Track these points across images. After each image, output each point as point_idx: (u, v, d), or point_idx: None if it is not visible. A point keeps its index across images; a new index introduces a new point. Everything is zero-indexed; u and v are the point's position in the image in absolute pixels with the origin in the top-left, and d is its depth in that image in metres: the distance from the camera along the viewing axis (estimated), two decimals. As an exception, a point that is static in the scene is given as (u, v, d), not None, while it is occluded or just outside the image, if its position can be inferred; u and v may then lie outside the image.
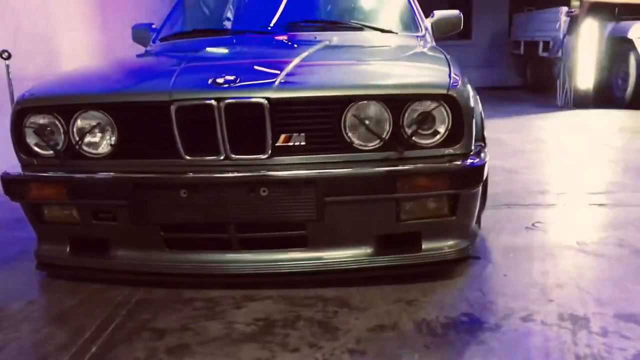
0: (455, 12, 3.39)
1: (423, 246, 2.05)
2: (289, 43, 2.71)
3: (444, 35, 3.44)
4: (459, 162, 1.95)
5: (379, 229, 2.02)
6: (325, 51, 2.48)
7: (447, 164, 1.94)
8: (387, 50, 2.74)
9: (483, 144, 2.20)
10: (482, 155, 2.09)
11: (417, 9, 3.25)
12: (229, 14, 3.27)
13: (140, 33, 3.44)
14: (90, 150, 2.02)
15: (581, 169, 3.91)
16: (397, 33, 3.06)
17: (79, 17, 5.27)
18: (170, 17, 3.33)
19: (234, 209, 1.94)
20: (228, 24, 3.22)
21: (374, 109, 1.93)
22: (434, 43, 3.17)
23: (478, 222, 2.31)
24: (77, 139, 2.00)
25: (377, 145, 1.94)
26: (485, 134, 2.30)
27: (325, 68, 2.22)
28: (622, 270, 2.15)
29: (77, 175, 2.01)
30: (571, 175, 3.76)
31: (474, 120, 2.03)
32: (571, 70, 7.38)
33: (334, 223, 1.95)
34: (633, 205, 2.97)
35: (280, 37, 2.84)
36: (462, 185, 1.98)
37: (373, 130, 1.91)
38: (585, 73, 7.31)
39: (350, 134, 1.93)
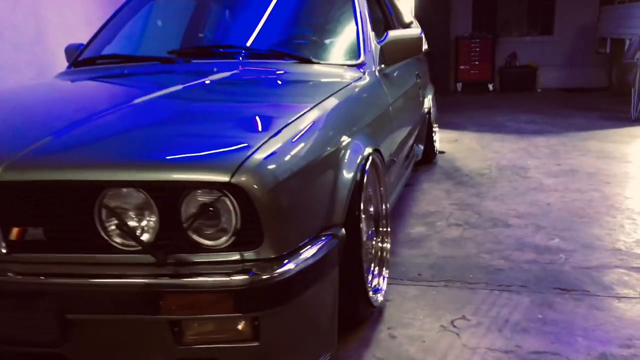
0: (415, 32, 2.74)
1: (224, 380, 1.52)
2: (150, 80, 2.23)
3: (399, 62, 2.80)
4: (245, 276, 1.39)
5: (158, 354, 1.50)
6: (174, 96, 1.99)
7: (228, 278, 1.39)
8: (265, 93, 2.20)
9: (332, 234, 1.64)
10: (310, 255, 1.51)
11: (363, 29, 2.63)
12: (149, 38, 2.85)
13: (71, 54, 3.10)
14: None
15: None
16: (322, 62, 2.49)
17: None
18: (92, 38, 2.96)
19: None
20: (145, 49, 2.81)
21: (136, 199, 1.42)
22: (376, 73, 2.56)
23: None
24: None
25: (140, 247, 1.43)
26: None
27: (110, 131, 1.68)
28: None
29: None
30: None
31: (291, 211, 1.47)
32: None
33: (87, 348, 1.47)
34: None
35: (166, 70, 2.38)
36: (254, 307, 1.42)
37: (129, 228, 1.40)
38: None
39: (108, 230, 1.43)
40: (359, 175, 1.86)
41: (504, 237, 2.89)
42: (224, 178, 1.37)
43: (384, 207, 2.30)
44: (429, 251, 2.74)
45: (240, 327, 1.48)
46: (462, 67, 9.98)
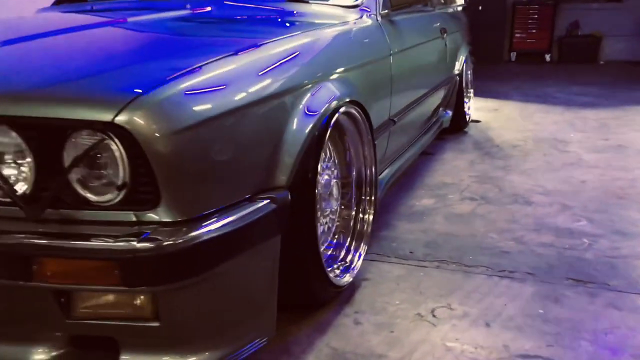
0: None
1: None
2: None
3: (407, 5, 2.43)
4: (132, 242, 1.11)
5: (43, 328, 1.25)
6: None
7: (111, 243, 1.11)
8: (220, 29, 1.89)
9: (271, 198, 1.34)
10: (230, 221, 1.22)
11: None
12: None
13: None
14: None
15: None
16: (318, 2, 2.17)
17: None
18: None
19: None
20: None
21: (9, 139, 1.15)
22: (377, 18, 2.20)
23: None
24: None
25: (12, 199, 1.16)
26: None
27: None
28: None
29: None
30: None
31: (199, 165, 1.17)
32: None
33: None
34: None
35: (138, 7, 2.11)
36: (144, 281, 1.14)
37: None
38: None
39: None
40: (318, 130, 1.53)
41: (521, 215, 2.51)
42: (107, 116, 1.08)
43: (369, 172, 1.97)
44: (430, 226, 2.39)
45: (138, 302, 1.21)
46: (517, 35, 9.29)
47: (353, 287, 1.86)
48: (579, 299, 1.80)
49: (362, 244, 1.91)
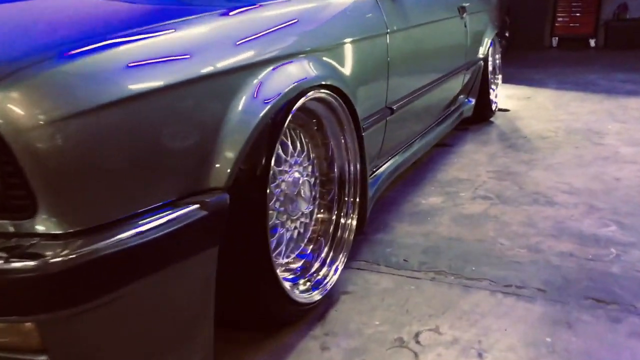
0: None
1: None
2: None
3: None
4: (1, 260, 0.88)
5: None
6: None
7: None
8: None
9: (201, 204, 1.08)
10: (136, 232, 0.98)
11: None
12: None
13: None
14: None
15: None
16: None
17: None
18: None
19: None
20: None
21: None
22: None
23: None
24: None
25: None
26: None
27: None
28: None
29: None
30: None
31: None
32: None
33: None
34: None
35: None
36: (17, 309, 0.91)
37: None
38: None
39: None
40: (273, 117, 1.27)
41: (540, 218, 2.19)
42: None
43: (352, 168, 1.70)
44: (433, 229, 2.10)
45: (25, 330, 0.98)
46: (559, 18, 8.76)
47: (330, 301, 1.60)
48: (598, 325, 1.49)
49: (340, 255, 1.64)
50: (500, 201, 2.37)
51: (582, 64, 6.67)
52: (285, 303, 1.36)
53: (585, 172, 2.74)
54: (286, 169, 1.45)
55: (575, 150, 3.11)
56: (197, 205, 1.09)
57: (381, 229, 2.11)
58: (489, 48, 3.57)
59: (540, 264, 1.82)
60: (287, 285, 1.38)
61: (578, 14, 8.66)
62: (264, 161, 1.23)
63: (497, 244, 1.97)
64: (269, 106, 1.25)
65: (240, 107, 1.19)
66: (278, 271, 1.40)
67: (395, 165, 2.25)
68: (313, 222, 1.63)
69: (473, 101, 3.53)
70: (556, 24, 8.80)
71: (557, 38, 8.84)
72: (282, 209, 1.43)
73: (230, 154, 1.16)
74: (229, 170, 1.16)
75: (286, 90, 1.30)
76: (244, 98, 1.20)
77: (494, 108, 3.87)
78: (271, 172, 1.27)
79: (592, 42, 8.67)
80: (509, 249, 1.93)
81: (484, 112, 3.73)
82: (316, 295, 1.49)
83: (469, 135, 3.46)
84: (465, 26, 2.98)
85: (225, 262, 1.20)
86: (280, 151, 1.41)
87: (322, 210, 1.67)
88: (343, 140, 1.65)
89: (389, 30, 1.93)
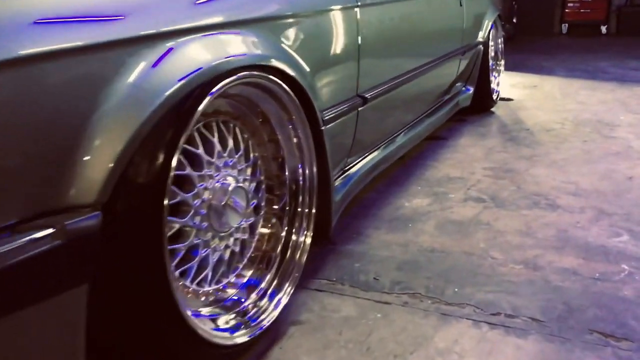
0: None
1: None
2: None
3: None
4: None
5: None
6: None
7: None
8: None
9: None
10: None
11: None
12: None
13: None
14: None
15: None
16: None
17: None
18: None
19: None
20: None
21: None
22: None
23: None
24: None
25: None
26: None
27: None
28: None
29: None
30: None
31: None
32: None
33: None
34: None
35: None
36: None
37: None
38: None
39: None
40: (174, 106, 0.94)
41: (539, 225, 1.86)
42: None
43: (307, 171, 1.38)
44: (414, 238, 1.78)
45: None
46: (570, 4, 8.33)
47: (275, 335, 1.29)
48: (605, 371, 1.17)
49: (287, 284, 1.31)
50: (494, 204, 2.04)
51: (592, 51, 6.28)
52: (198, 346, 1.05)
53: (593, 169, 2.40)
54: (211, 172, 1.13)
55: (583, 144, 2.77)
56: (49, 231, 0.78)
57: (354, 237, 1.79)
58: (489, 31, 3.22)
59: (538, 285, 1.50)
60: (202, 323, 1.07)
61: (589, 0, 8.23)
62: (159, 164, 0.91)
63: (487, 258, 1.65)
64: (171, 90, 0.93)
65: (124, 91, 0.87)
66: (201, 302, 1.09)
67: (373, 162, 1.93)
68: (256, 239, 1.32)
69: (471, 89, 3.18)
70: (566, 10, 8.38)
71: (567, 24, 8.42)
72: (204, 224, 1.12)
73: (106, 156, 0.84)
74: (103, 179, 0.84)
75: (198, 70, 0.98)
76: (132, 78, 0.88)
77: (495, 97, 3.52)
78: (171, 175, 0.95)
79: (604, 29, 8.25)
80: (501, 265, 1.61)
81: (483, 102, 3.39)
82: (242, 336, 1.16)
83: (466, 127, 3.13)
84: (461, 5, 2.64)
85: (116, 294, 0.90)
86: (201, 150, 1.10)
87: (268, 224, 1.35)
88: (294, 137, 1.33)
89: (359, 3, 1.60)
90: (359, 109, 1.68)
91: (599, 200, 2.06)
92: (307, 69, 1.34)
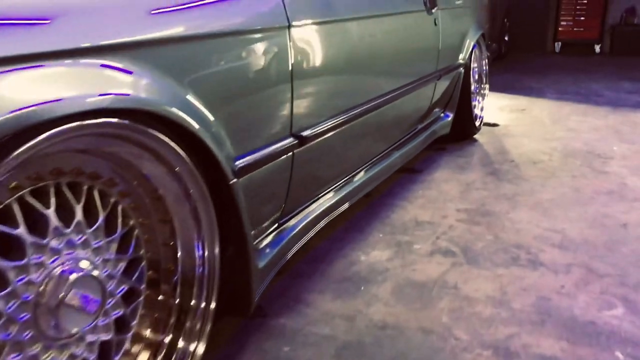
0: None
1: None
2: None
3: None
4: None
5: None
6: None
7: None
8: None
9: None
10: None
11: None
12: None
13: None
14: None
15: None
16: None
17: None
18: None
19: None
20: None
21: None
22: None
23: None
24: None
25: None
26: None
27: None
28: None
29: None
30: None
31: None
32: None
33: None
34: None
35: None
36: None
37: None
38: None
39: None
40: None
41: (517, 290, 1.53)
42: None
43: (204, 250, 1.05)
44: (364, 308, 1.45)
45: None
46: (563, 22, 8.05)
47: None
48: None
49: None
50: (466, 259, 1.71)
51: (585, 72, 5.98)
52: None
53: (583, 213, 2.07)
54: (42, 258, 0.80)
55: (573, 180, 2.45)
56: None
57: (290, 306, 1.46)
58: (471, 52, 2.90)
59: (508, 383, 1.17)
60: None
61: (582, 18, 7.96)
62: None
63: (449, 339, 1.32)
64: None
65: None
66: None
67: (324, 208, 1.61)
68: (129, 339, 0.98)
69: (451, 116, 2.86)
70: (559, 28, 8.10)
71: (560, 43, 8.14)
72: (27, 334, 0.79)
73: None
74: None
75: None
76: None
77: (478, 124, 3.20)
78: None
79: (598, 48, 7.97)
80: (466, 349, 1.28)
81: (465, 129, 3.07)
82: None
83: (444, 158, 2.80)
84: (436, 24, 2.32)
85: None
86: (21, 230, 0.77)
87: (145, 323, 1.01)
88: (187, 203, 1.00)
89: (292, 23, 1.28)
90: (295, 150, 1.35)
91: (588, 256, 1.73)
92: (206, 106, 1.02)
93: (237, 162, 1.12)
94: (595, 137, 3.17)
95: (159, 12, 0.94)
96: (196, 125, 0.95)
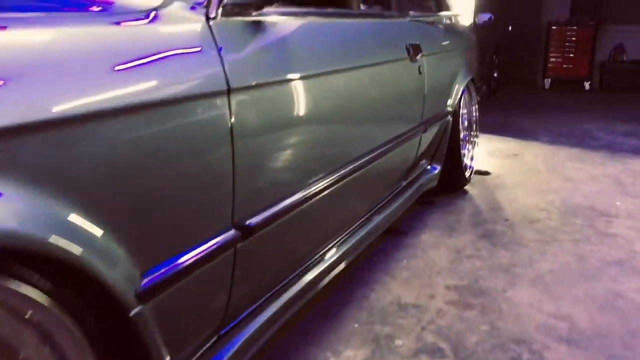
0: None
1: None
2: None
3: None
4: None
5: None
6: None
7: None
8: None
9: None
10: None
11: None
12: None
13: None
14: None
15: None
16: None
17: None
18: None
19: None
20: None
21: None
22: (214, 15, 1.00)
23: None
24: None
25: None
26: None
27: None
28: None
29: None
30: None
31: None
32: None
33: None
34: None
35: None
36: None
37: None
38: None
39: None
40: None
41: (520, 413, 1.22)
42: None
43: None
44: None
45: None
46: (552, 59, 7.88)
47: None
48: None
49: None
50: (456, 362, 1.40)
51: (577, 110, 5.76)
52: None
53: (590, 291, 1.77)
54: None
55: (575, 245, 2.16)
56: None
57: None
58: (460, 98, 2.64)
59: None
60: None
61: (572, 55, 7.80)
62: None
63: None
64: None
65: None
66: None
67: (279, 305, 1.29)
68: None
69: (438, 168, 2.58)
70: (549, 65, 7.94)
71: (549, 80, 7.96)
72: None
73: None
74: None
75: None
76: None
77: (468, 174, 2.91)
78: None
79: (587, 85, 7.79)
80: None
81: (454, 181, 2.78)
82: None
83: (432, 215, 2.51)
84: (421, 72, 2.05)
85: None
86: None
87: None
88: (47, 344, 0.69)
89: (233, 86, 0.99)
90: (238, 245, 1.05)
91: (603, 355, 1.42)
92: (94, 216, 0.72)
93: (147, 279, 0.82)
94: (595, 189, 2.90)
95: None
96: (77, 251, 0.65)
